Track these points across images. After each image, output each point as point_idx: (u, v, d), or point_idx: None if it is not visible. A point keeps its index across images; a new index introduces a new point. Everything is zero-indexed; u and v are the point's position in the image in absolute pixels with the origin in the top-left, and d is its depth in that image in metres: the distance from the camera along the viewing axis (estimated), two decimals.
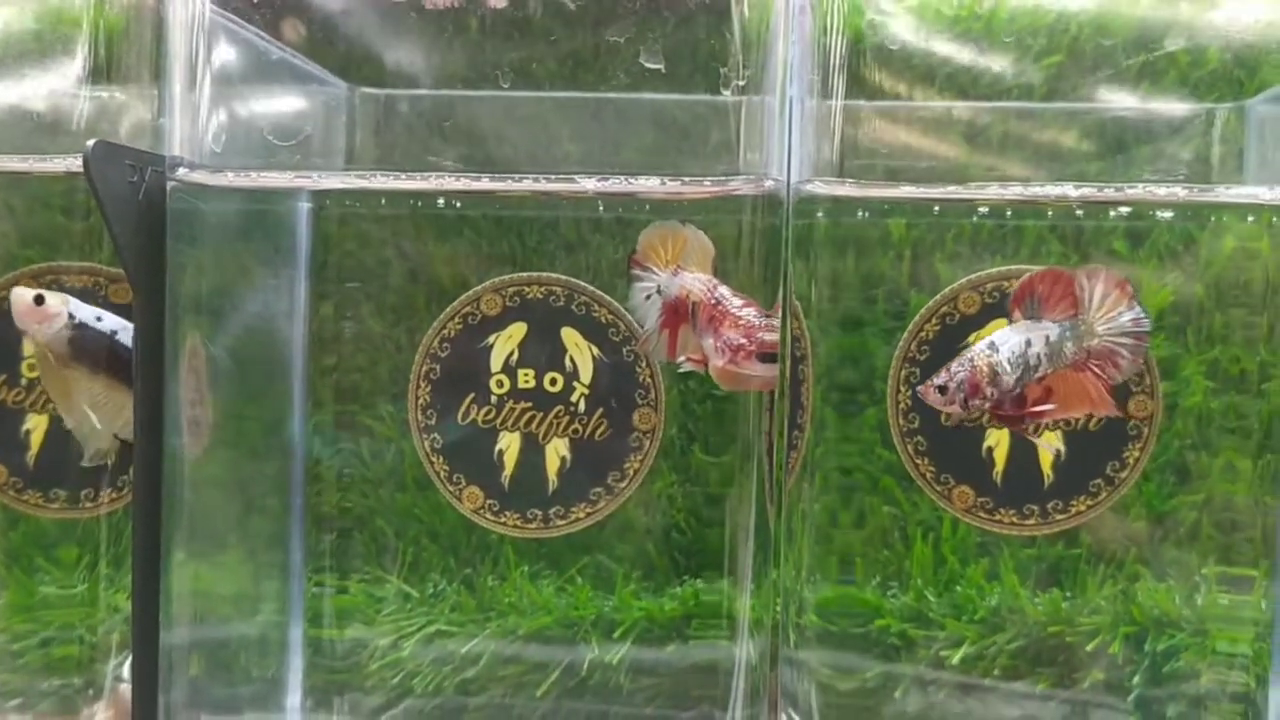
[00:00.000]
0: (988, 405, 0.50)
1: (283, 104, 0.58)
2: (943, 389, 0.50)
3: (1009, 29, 0.56)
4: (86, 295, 0.57)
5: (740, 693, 0.57)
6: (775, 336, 0.53)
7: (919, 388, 0.51)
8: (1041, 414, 0.51)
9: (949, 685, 0.57)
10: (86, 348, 0.54)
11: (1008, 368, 0.49)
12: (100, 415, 0.55)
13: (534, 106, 0.58)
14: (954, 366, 0.50)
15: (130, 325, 0.55)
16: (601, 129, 0.57)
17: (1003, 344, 0.49)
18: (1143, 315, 0.51)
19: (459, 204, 0.58)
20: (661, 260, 0.55)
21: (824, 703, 0.58)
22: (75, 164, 0.51)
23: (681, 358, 0.55)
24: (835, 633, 0.57)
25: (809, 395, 0.56)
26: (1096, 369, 0.50)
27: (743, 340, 0.52)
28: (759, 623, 0.57)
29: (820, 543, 0.57)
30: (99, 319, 0.54)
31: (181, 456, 0.56)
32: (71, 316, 0.54)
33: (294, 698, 0.60)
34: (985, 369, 0.49)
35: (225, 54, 0.55)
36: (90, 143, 0.48)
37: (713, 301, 0.53)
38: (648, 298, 0.55)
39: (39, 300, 0.53)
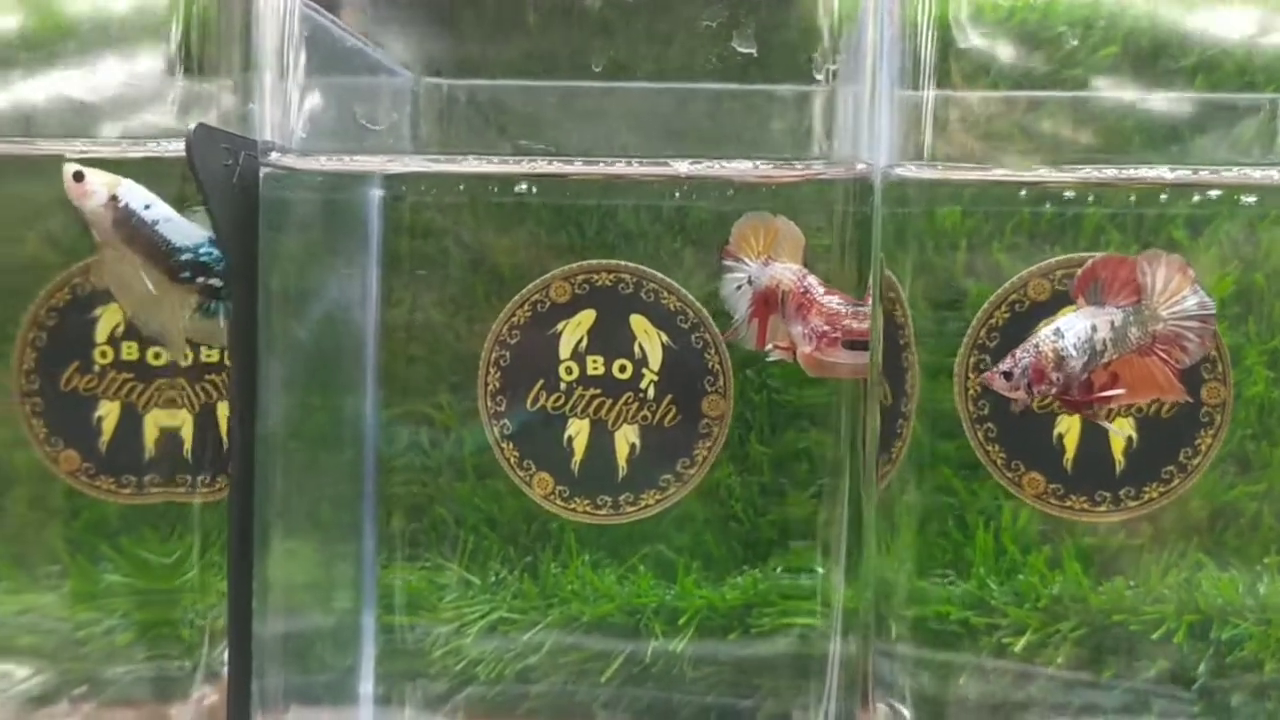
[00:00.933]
0: (1054, 391, 0.50)
1: (362, 92, 0.58)
2: (1008, 375, 0.50)
3: (1103, 11, 0.56)
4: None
5: (834, 686, 0.57)
6: (862, 325, 0.53)
7: (984, 375, 0.51)
8: (1109, 399, 0.51)
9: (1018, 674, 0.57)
10: (130, 231, 0.54)
11: (1074, 353, 0.49)
12: (151, 303, 0.56)
13: (617, 96, 0.58)
14: (1019, 353, 0.50)
15: (175, 217, 0.55)
16: (691, 116, 0.58)
17: (1068, 330, 0.50)
18: (1207, 299, 0.51)
19: (531, 190, 0.58)
20: (753, 251, 0.55)
21: (923, 693, 0.58)
22: (170, 149, 0.52)
23: (770, 346, 0.55)
24: (933, 624, 0.57)
25: (913, 383, 0.56)
26: (1163, 353, 0.50)
27: (827, 328, 0.52)
28: (853, 613, 0.57)
29: (922, 532, 0.57)
30: (148, 206, 0.54)
31: (273, 443, 0.56)
32: (115, 198, 0.54)
33: (366, 686, 0.61)
34: (1050, 355, 0.49)
35: (310, 42, 0.55)
36: (192, 126, 0.48)
37: (801, 290, 0.53)
38: (738, 288, 0.55)
39: (78, 176, 0.53)
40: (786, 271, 0.54)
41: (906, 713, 0.57)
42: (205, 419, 0.58)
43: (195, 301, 0.56)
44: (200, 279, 0.56)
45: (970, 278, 0.56)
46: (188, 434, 0.58)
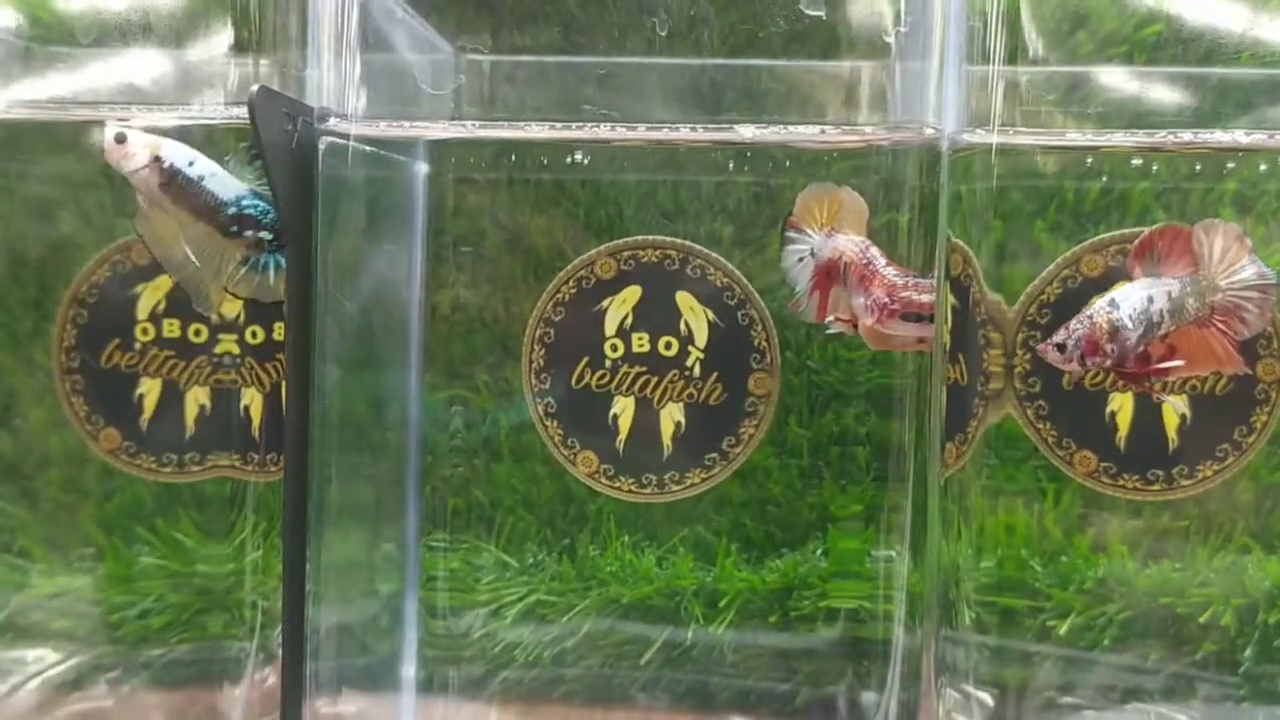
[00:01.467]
0: (1108, 363, 0.49)
1: (415, 62, 0.58)
2: (1061, 346, 0.49)
3: None
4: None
5: (897, 672, 0.57)
6: (925, 296, 0.52)
7: (1038, 346, 0.51)
8: (1167, 371, 0.50)
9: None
10: (177, 190, 0.53)
11: (1129, 324, 0.48)
12: (202, 261, 0.55)
13: (691, 54, 0.57)
14: (1073, 324, 0.49)
15: (220, 171, 0.54)
16: (757, 81, 0.57)
17: (1124, 301, 0.49)
18: (1267, 269, 0.50)
19: (583, 160, 0.57)
20: (817, 223, 0.55)
21: (995, 679, 0.57)
22: (234, 113, 0.51)
23: (831, 318, 0.55)
24: (1001, 610, 0.57)
25: (991, 361, 0.55)
26: (1222, 325, 0.49)
27: (888, 299, 0.52)
28: (919, 596, 0.57)
29: (998, 519, 0.56)
30: (191, 163, 0.53)
31: (330, 422, 0.56)
32: (158, 159, 0.53)
33: (409, 669, 0.61)
34: (1105, 326, 0.48)
35: (364, 12, 0.55)
36: (254, 87, 0.48)
37: (864, 262, 0.52)
38: (800, 260, 0.55)
39: (120, 139, 0.53)
40: (849, 243, 0.53)
41: (985, 696, 0.56)
42: (273, 398, 0.57)
43: (241, 255, 0.55)
44: (249, 232, 0.55)
45: (1043, 251, 0.55)
46: (256, 412, 0.58)
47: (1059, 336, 0.50)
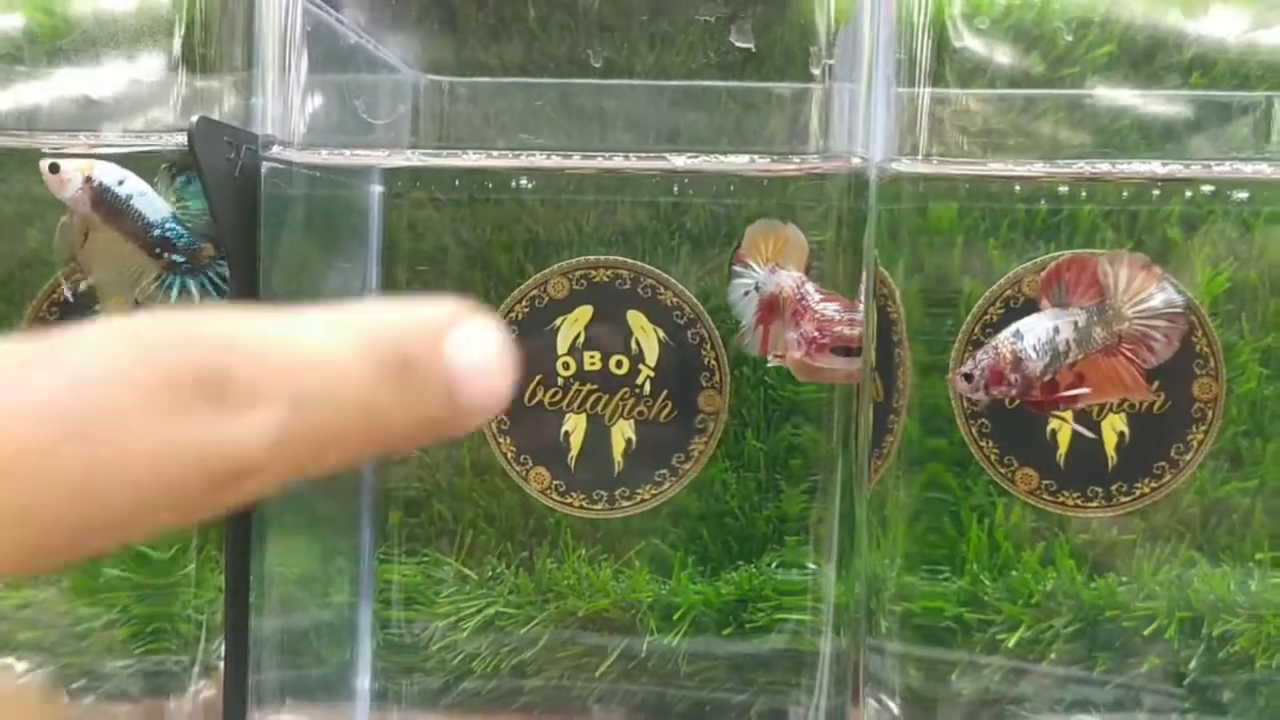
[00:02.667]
0: (1014, 392, 0.50)
1: (363, 89, 0.59)
2: (968, 376, 0.50)
3: (1094, 8, 0.56)
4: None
5: (825, 683, 0.58)
6: (854, 331, 0.53)
7: (948, 376, 0.52)
8: (1075, 399, 0.51)
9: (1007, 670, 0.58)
10: (108, 208, 0.55)
11: (1033, 355, 0.49)
12: (124, 277, 0.57)
13: (617, 92, 0.58)
14: (980, 355, 0.50)
15: (148, 191, 0.57)
16: (689, 110, 0.58)
17: (1028, 331, 0.50)
18: (1175, 296, 0.51)
19: (530, 185, 0.58)
20: (762, 258, 0.56)
21: (912, 689, 0.58)
22: (172, 144, 0.52)
23: (771, 355, 0.56)
24: (925, 621, 0.58)
25: (905, 378, 0.57)
26: (1129, 353, 0.50)
27: (817, 334, 0.53)
28: (844, 607, 0.58)
29: (912, 528, 0.57)
30: (121, 182, 0.55)
31: None
32: (89, 180, 0.55)
33: (363, 681, 0.61)
34: (1009, 356, 0.50)
35: (312, 39, 0.56)
36: (194, 118, 0.49)
37: (798, 297, 0.54)
38: (745, 294, 0.56)
39: (54, 168, 0.55)
40: (789, 279, 0.55)
41: (894, 707, 0.57)
42: None
43: (156, 275, 0.57)
44: (166, 254, 0.57)
45: (964, 275, 0.56)
46: None
47: (967, 366, 0.51)
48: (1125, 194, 0.56)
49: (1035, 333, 0.49)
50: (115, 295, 0.57)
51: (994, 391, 0.50)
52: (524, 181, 0.59)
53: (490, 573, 0.61)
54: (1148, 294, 0.50)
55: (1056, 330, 0.49)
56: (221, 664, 0.58)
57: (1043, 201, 0.56)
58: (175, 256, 0.57)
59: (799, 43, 0.54)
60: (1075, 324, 0.50)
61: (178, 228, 0.56)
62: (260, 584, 0.57)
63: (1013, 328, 0.50)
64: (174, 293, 0.58)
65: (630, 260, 0.58)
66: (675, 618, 0.60)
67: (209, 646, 0.59)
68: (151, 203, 0.56)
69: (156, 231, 0.56)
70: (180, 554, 0.60)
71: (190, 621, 0.60)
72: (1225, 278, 0.56)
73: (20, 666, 0.62)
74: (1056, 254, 0.56)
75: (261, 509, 0.57)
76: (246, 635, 0.57)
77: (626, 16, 0.56)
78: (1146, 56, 0.55)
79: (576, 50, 0.57)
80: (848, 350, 0.53)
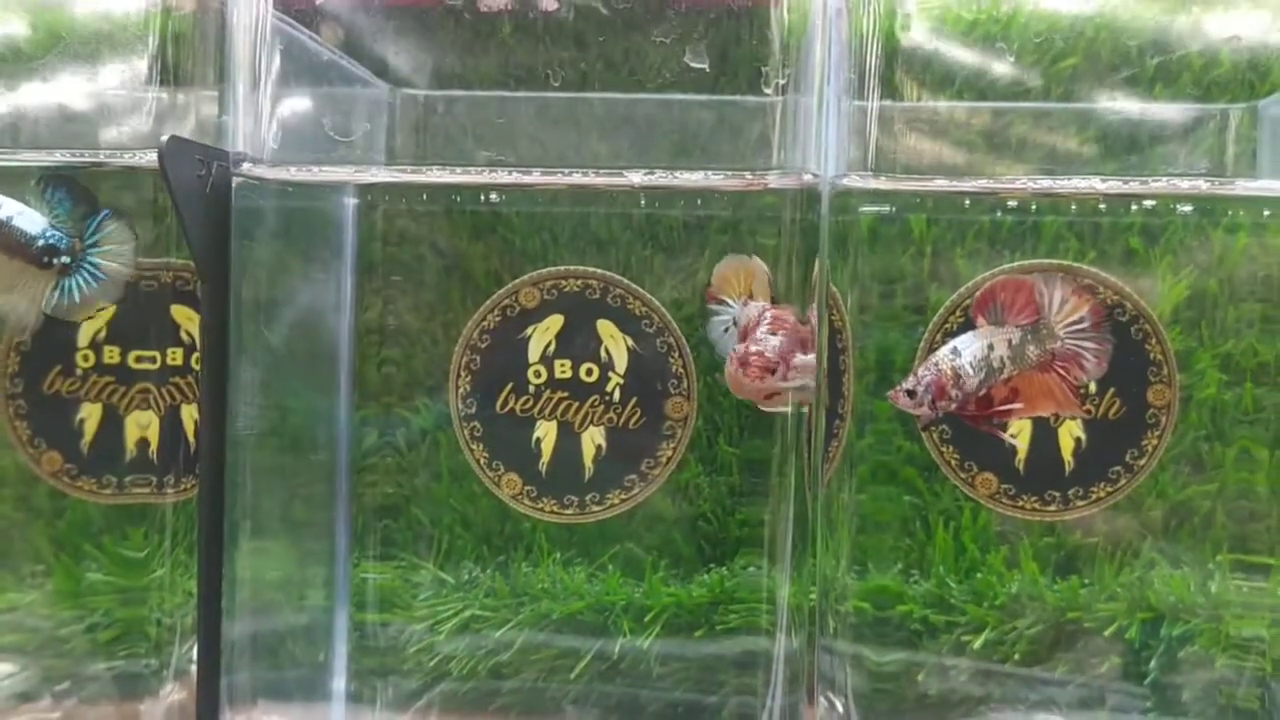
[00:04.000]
0: (954, 406, 0.52)
1: (335, 104, 0.60)
2: (911, 393, 0.51)
3: (1029, 32, 0.58)
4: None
5: (780, 680, 0.59)
6: (766, 352, 0.54)
7: (889, 393, 0.53)
8: (1008, 413, 0.53)
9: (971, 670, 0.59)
10: None
11: (970, 371, 0.51)
12: (23, 293, 0.59)
13: (580, 107, 0.60)
14: (921, 372, 0.52)
15: (24, 210, 0.58)
16: (646, 128, 0.59)
17: (965, 349, 0.51)
18: (1104, 320, 0.52)
19: (500, 199, 0.60)
20: (735, 292, 0.57)
21: (861, 687, 0.59)
22: (146, 160, 0.54)
23: None
24: (875, 620, 0.59)
25: (849, 386, 0.58)
26: (1062, 370, 0.52)
27: (744, 351, 0.54)
28: (798, 609, 0.59)
29: (861, 531, 0.59)
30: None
31: (244, 444, 0.58)
32: None
33: (339, 682, 0.62)
34: (950, 372, 0.51)
35: (284, 56, 0.57)
36: (164, 138, 0.50)
37: (755, 324, 0.55)
38: (725, 330, 0.58)
39: None
40: (755, 308, 0.56)
41: (839, 705, 0.59)
42: (171, 420, 0.60)
43: (54, 282, 0.59)
44: (56, 260, 0.59)
45: (912, 285, 0.57)
46: (153, 435, 0.60)
47: (909, 384, 0.52)
48: (1074, 208, 0.57)
49: (971, 350, 0.51)
50: (24, 316, 0.59)
51: (939, 406, 0.51)
52: (494, 195, 0.60)
53: (466, 576, 0.62)
54: (1080, 314, 0.51)
55: (991, 347, 0.51)
56: (193, 667, 0.59)
57: (998, 212, 0.57)
58: (62, 259, 0.58)
59: (753, 63, 0.55)
60: (1010, 342, 0.51)
61: (56, 233, 0.58)
62: (232, 588, 0.59)
63: (950, 345, 0.51)
64: (74, 294, 0.59)
65: (600, 270, 0.59)
66: (647, 620, 0.61)
67: (181, 650, 0.60)
68: (30, 219, 0.58)
69: (40, 242, 0.58)
70: (151, 558, 0.61)
71: (161, 625, 0.61)
72: (1185, 285, 0.58)
73: (4, 669, 0.63)
74: (1019, 264, 0.57)
75: (233, 514, 0.58)
76: (218, 639, 0.58)
77: (585, 40, 0.57)
78: (1094, 75, 0.57)
79: (549, 64, 0.58)
80: (771, 371, 0.55)
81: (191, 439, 0.60)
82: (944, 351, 0.51)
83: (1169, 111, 0.58)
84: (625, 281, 0.59)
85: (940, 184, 0.56)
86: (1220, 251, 0.58)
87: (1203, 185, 0.56)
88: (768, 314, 0.55)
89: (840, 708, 0.59)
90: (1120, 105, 0.57)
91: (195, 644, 0.59)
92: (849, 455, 0.58)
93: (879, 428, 0.58)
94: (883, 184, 0.55)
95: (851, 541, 0.58)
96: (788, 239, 0.57)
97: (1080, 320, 0.51)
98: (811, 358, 0.55)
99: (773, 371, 0.52)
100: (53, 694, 0.62)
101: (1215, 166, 0.59)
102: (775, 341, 0.53)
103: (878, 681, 0.59)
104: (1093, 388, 0.56)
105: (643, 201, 0.59)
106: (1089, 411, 0.54)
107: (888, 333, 0.57)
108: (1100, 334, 0.51)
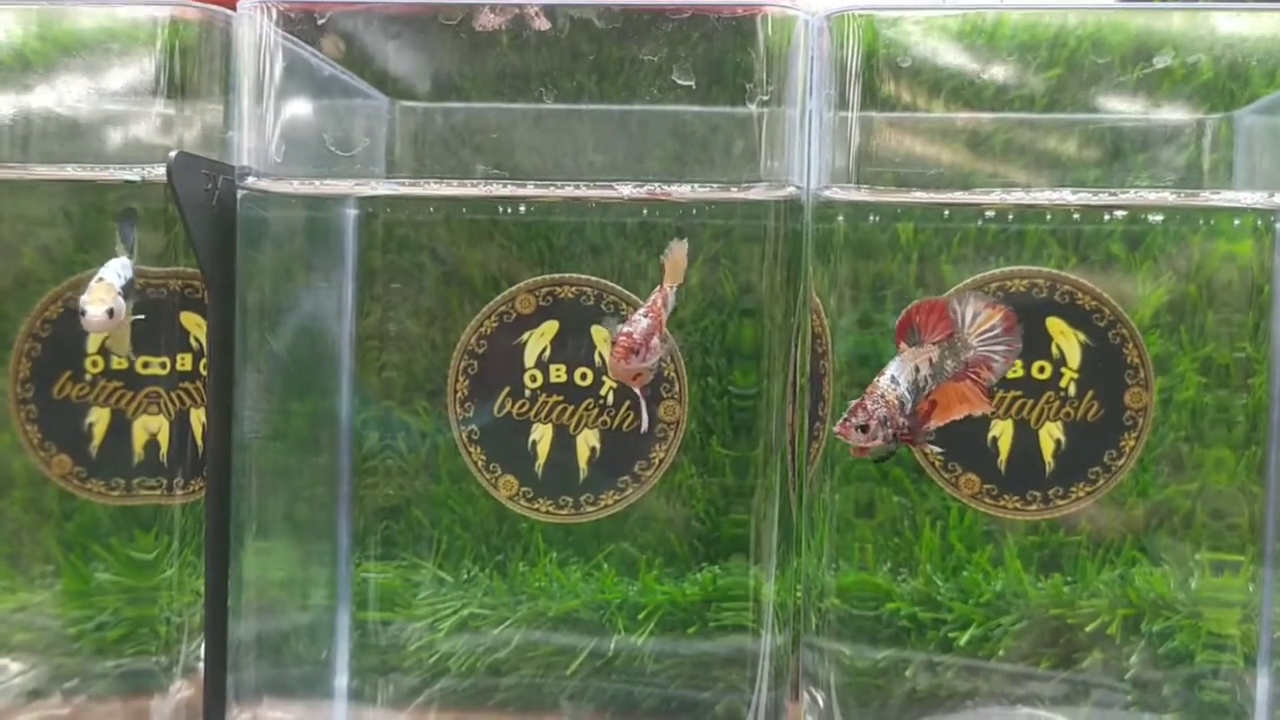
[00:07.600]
0: (903, 434, 0.53)
1: (337, 116, 0.61)
2: (864, 428, 0.52)
3: (1010, 44, 0.59)
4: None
5: (765, 676, 0.60)
6: (635, 334, 0.55)
7: (835, 428, 0.53)
8: (930, 425, 0.54)
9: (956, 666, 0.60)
10: None
11: (909, 396, 0.52)
12: None
13: (572, 120, 0.61)
14: (870, 405, 0.52)
15: (112, 262, 0.59)
16: (636, 141, 0.61)
17: (900, 375, 0.52)
18: (1015, 321, 0.54)
19: (498, 209, 0.61)
20: (673, 280, 0.58)
21: (843, 683, 0.61)
22: (155, 174, 0.55)
23: None
24: (855, 617, 0.60)
25: (829, 389, 0.59)
26: (974, 376, 0.53)
27: (617, 333, 0.55)
28: (783, 607, 0.60)
29: (841, 530, 0.60)
30: None
31: (249, 448, 0.59)
32: None
33: (341, 680, 0.64)
34: (895, 402, 0.52)
35: (288, 71, 0.59)
36: (172, 153, 0.52)
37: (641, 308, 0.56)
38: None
39: None
40: (655, 292, 0.57)
41: (820, 700, 0.60)
42: (181, 424, 0.62)
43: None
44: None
45: (891, 293, 0.59)
46: (163, 439, 0.62)
47: (859, 419, 0.52)
48: (1050, 218, 0.59)
49: (905, 375, 0.52)
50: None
51: (895, 438, 0.52)
52: (490, 205, 0.61)
53: (465, 576, 0.63)
54: (991, 324, 0.53)
55: (918, 369, 0.52)
56: (201, 665, 0.60)
57: (979, 221, 0.59)
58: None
59: (738, 79, 0.56)
60: (930, 360, 0.53)
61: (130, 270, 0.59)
62: (238, 589, 0.60)
63: (887, 375, 0.52)
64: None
65: (594, 278, 0.60)
66: (642, 617, 0.62)
67: (188, 648, 0.62)
68: (123, 265, 0.59)
69: (130, 283, 0.59)
70: (161, 558, 0.62)
71: (170, 624, 0.62)
72: (1164, 291, 0.59)
73: (15, 667, 0.64)
74: (998, 271, 0.58)
75: (239, 516, 0.60)
76: (226, 637, 0.59)
77: (575, 60, 0.59)
78: (1092, 79, 0.58)
79: (544, 77, 0.59)
80: (634, 352, 0.55)
81: (200, 443, 0.62)
82: (884, 382, 0.52)
83: (1150, 121, 0.60)
84: (618, 288, 0.60)
85: (919, 195, 0.57)
86: (1198, 259, 0.59)
87: (1170, 197, 0.58)
88: (654, 296, 0.56)
89: (822, 702, 0.60)
90: (1100, 116, 0.59)
91: (203, 642, 0.60)
92: (829, 456, 0.59)
93: None
94: (864, 195, 0.57)
95: (831, 540, 0.60)
96: (772, 247, 0.58)
97: (993, 328, 0.53)
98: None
99: (636, 353, 0.54)
100: (62, 691, 0.63)
101: (1192, 176, 0.60)
102: (645, 324, 0.55)
103: (858, 676, 0.60)
104: (1073, 390, 0.58)
105: (634, 211, 0.61)
106: (994, 412, 0.55)
107: (865, 338, 0.59)
108: (1011, 337, 0.53)
